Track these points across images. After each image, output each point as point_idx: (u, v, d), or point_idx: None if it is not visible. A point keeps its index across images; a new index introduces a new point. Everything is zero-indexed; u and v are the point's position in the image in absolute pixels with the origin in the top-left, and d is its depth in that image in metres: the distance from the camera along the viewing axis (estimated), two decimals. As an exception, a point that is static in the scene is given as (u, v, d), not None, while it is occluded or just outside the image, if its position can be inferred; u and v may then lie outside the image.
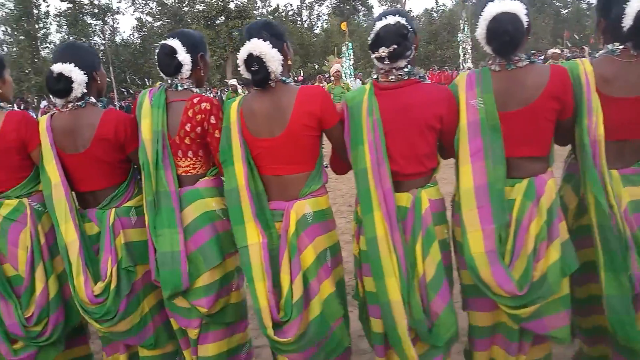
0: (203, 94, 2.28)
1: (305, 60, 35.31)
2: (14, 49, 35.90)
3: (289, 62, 2.18)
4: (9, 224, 2.28)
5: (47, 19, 36.08)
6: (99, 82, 2.37)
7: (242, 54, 2.04)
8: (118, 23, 41.03)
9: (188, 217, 2.23)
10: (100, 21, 37.50)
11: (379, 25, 2.02)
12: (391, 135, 2.06)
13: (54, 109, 2.38)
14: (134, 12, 47.40)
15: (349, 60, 15.52)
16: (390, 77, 2.07)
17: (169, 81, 2.29)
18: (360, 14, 46.03)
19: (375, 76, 2.15)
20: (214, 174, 2.34)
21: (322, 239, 2.15)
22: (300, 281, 2.06)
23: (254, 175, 2.15)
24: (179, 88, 2.28)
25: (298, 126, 2.06)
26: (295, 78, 22.12)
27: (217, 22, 32.01)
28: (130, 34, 40.45)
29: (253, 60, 2.01)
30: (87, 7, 36.13)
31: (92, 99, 2.31)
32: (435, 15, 46.33)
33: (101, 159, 2.27)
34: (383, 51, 1.99)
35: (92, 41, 37.56)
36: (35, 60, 34.24)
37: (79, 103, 2.26)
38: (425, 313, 2.04)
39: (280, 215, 2.13)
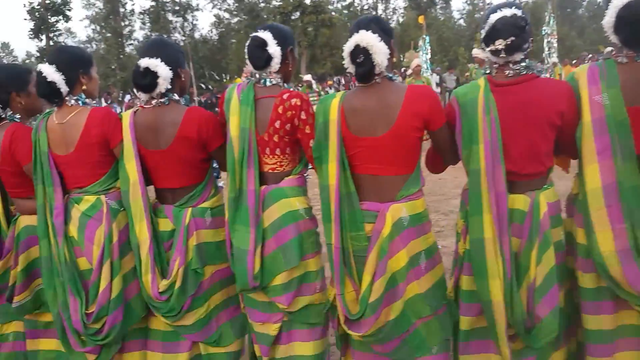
0: (292, 89, 2.25)
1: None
2: (102, 46, 37.95)
3: (394, 60, 2.12)
4: (86, 219, 2.32)
5: (132, 16, 37.90)
6: (182, 79, 2.37)
7: (348, 45, 2.01)
8: (197, 20, 42.48)
9: (272, 216, 2.22)
10: (181, 18, 38.88)
11: (494, 17, 1.96)
12: (509, 134, 2.00)
13: (138, 104, 2.44)
14: (212, 8, 48.73)
15: (427, 54, 15.09)
16: (506, 72, 2.01)
17: (257, 76, 2.27)
18: (438, 7, 44.89)
19: (488, 71, 2.10)
20: (298, 172, 2.31)
21: (417, 242, 2.10)
22: (383, 283, 2.04)
23: (346, 175, 2.11)
24: (268, 83, 2.25)
25: (405, 126, 2.01)
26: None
27: (293, 17, 32.17)
28: (209, 31, 41.64)
29: (359, 52, 1.98)
30: (168, 4, 37.59)
31: (176, 96, 2.32)
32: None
33: (182, 157, 2.28)
34: (500, 43, 1.93)
35: (173, 37, 39.00)
36: (121, 56, 36.05)
37: (162, 100, 2.28)
38: (528, 314, 2.02)
39: (372, 216, 2.09)
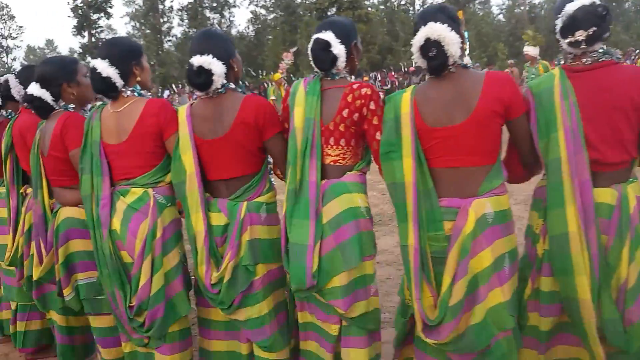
0: (362, 81, 2.19)
1: (417, 50, 34.45)
2: (141, 42, 38.65)
3: (464, 47, 2.02)
4: (132, 212, 2.28)
5: (171, 13, 38.50)
6: (235, 69, 2.31)
7: (417, 40, 1.94)
8: (234, 16, 42.73)
9: (332, 211, 2.13)
10: (218, 14, 39.29)
11: (572, 7, 1.87)
12: (590, 120, 1.91)
13: (177, 100, 2.36)
14: (249, 5, 48.95)
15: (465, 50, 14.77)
16: (583, 60, 1.94)
17: (322, 73, 2.23)
18: (476, 2, 44.07)
19: (562, 61, 2.03)
20: (361, 168, 2.23)
21: (502, 242, 1.96)
22: (464, 285, 1.92)
23: (423, 170, 2.01)
24: (336, 77, 2.21)
25: (485, 111, 1.91)
26: (407, 69, 21.57)
27: (329, 13, 32.11)
28: (245, 27, 41.96)
29: (430, 45, 1.91)
30: (206, 1, 38.02)
31: (232, 85, 2.28)
32: None
33: (240, 143, 2.24)
34: (580, 34, 1.86)
35: (210, 34, 39.41)
36: (159, 52, 36.70)
37: (220, 90, 2.24)
38: (620, 317, 1.92)
39: (452, 213, 1.98)
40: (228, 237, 2.26)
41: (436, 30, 1.89)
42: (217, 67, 2.16)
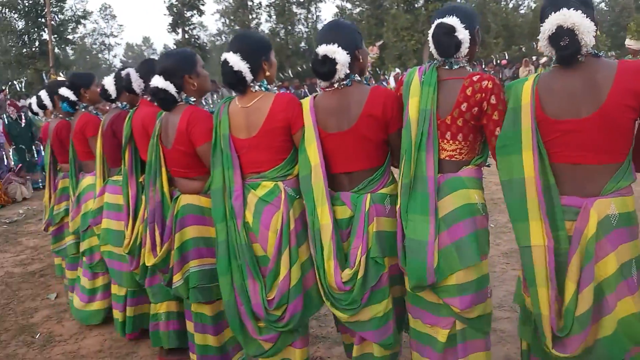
0: (483, 72, 2.10)
1: (510, 42, 32.94)
2: (231, 38, 39.76)
3: (598, 34, 1.87)
4: (263, 205, 2.31)
5: (259, 9, 39.32)
6: (361, 60, 2.28)
7: (548, 27, 1.81)
8: (320, 11, 42.99)
9: (447, 207, 2.07)
10: (305, 10, 39.62)
11: None
12: None
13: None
14: (335, -1, 48.94)
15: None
16: None
17: (441, 60, 2.15)
18: (575, -11, 41.29)
19: None
20: (478, 163, 2.15)
21: (628, 247, 1.82)
22: (591, 293, 1.79)
23: (544, 165, 1.89)
24: (454, 66, 2.12)
25: (616, 106, 1.76)
26: (499, 62, 20.64)
27: (417, 5, 31.42)
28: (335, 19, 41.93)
29: (563, 34, 1.77)
30: (294, -3, 38.46)
31: (357, 77, 2.26)
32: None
33: (366, 136, 2.21)
34: None
35: (296, 29, 39.90)
36: (248, 48, 37.55)
37: (344, 82, 2.23)
38: None
39: (573, 213, 1.86)
40: (353, 230, 2.23)
41: (570, 17, 1.76)
42: (341, 56, 2.13)
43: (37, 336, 3.65)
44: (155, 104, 2.68)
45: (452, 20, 2.06)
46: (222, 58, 2.35)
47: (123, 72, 3.25)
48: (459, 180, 2.09)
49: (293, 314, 2.28)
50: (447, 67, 2.13)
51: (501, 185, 2.00)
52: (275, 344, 2.36)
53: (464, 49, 2.07)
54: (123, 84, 3.20)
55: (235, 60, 2.28)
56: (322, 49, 2.16)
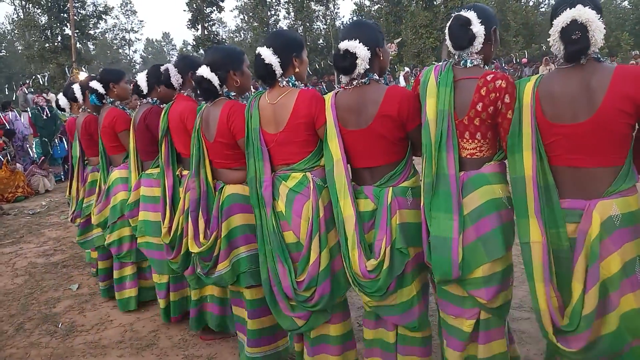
0: (497, 71, 2.13)
1: (529, 40, 32.58)
2: (250, 35, 39.95)
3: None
4: (294, 195, 2.43)
5: (278, 6, 39.40)
6: (382, 59, 2.35)
7: (562, 20, 1.84)
8: (339, 8, 42.89)
9: (473, 203, 2.11)
10: (323, 7, 39.60)
11: None
12: None
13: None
14: (353, -4, 48.78)
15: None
16: None
17: (456, 57, 2.21)
18: (598, -13, 40.67)
19: None
20: (500, 158, 2.19)
21: (632, 245, 1.85)
22: (596, 293, 1.83)
23: (543, 165, 1.95)
24: (468, 64, 2.17)
25: (611, 111, 1.79)
26: (519, 60, 20.44)
27: (435, 2, 31.22)
28: (350, 18, 41.92)
29: (576, 28, 1.80)
30: (312, -7, 38.42)
31: (376, 76, 2.33)
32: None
33: (382, 135, 2.27)
34: None
35: (315, 26, 39.90)
36: (267, 44, 37.61)
37: (363, 80, 2.29)
38: None
39: (575, 215, 1.90)
40: (377, 223, 2.30)
41: (585, 13, 1.79)
42: (361, 51, 2.20)
43: (60, 326, 3.73)
44: (198, 92, 2.80)
45: (469, 14, 2.12)
46: (256, 52, 2.48)
47: (162, 68, 3.37)
48: (482, 176, 2.13)
49: (322, 295, 2.40)
50: (461, 65, 2.17)
51: (510, 182, 2.07)
52: (307, 322, 2.49)
53: (478, 44, 2.12)
54: (161, 79, 3.32)
55: (267, 54, 2.41)
56: (344, 44, 2.24)
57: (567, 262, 1.92)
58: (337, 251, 2.43)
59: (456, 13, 2.17)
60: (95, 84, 3.88)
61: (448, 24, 2.19)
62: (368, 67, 2.25)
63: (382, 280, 2.24)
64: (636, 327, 1.84)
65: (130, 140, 3.58)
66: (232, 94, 2.77)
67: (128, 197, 3.60)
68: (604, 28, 1.82)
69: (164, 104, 3.37)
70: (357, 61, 2.21)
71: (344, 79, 2.35)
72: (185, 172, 3.15)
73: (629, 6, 40.79)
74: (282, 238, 2.47)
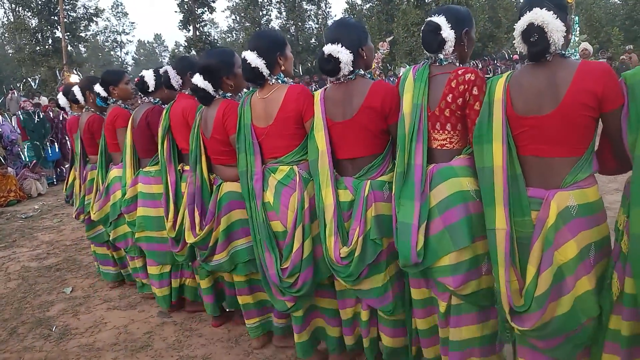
0: (468, 67, 2.25)
1: (520, 38, 32.62)
2: (242, 35, 39.88)
3: (569, 37, 2.00)
4: (282, 187, 2.60)
5: (269, 6, 39.33)
6: (365, 57, 2.46)
7: (521, 24, 1.95)
8: (330, 7, 42.91)
9: (440, 195, 2.21)
10: (315, 6, 39.57)
11: None
12: None
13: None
14: (345, -5, 48.78)
15: (576, 36, 13.84)
16: None
17: (433, 57, 2.30)
18: (588, -17, 40.90)
19: None
20: (470, 152, 2.26)
21: (588, 233, 1.95)
22: (549, 276, 1.93)
23: (512, 156, 2.04)
24: (444, 63, 2.28)
25: (573, 104, 1.88)
26: (511, 56, 20.52)
27: (427, 1, 31.26)
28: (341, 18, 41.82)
29: (533, 31, 1.91)
30: (303, -7, 38.37)
31: (361, 72, 2.45)
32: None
33: (366, 126, 2.40)
34: None
35: (307, 25, 39.88)
36: (258, 44, 37.52)
37: (349, 76, 2.43)
38: None
39: (537, 203, 2.00)
40: (354, 213, 2.45)
41: (540, 15, 1.89)
42: (344, 56, 2.34)
43: (54, 329, 3.72)
44: (196, 99, 2.98)
45: (439, 20, 2.21)
46: (242, 56, 2.61)
47: (161, 70, 3.49)
48: (450, 169, 2.23)
49: (305, 282, 2.59)
50: (437, 63, 2.29)
51: (477, 172, 2.14)
52: (295, 304, 2.70)
53: (448, 47, 2.22)
54: (162, 81, 3.44)
55: (252, 58, 2.56)
56: (327, 49, 2.37)
57: (527, 248, 2.00)
58: (319, 240, 2.56)
59: (427, 19, 2.27)
60: (97, 88, 4.00)
61: (422, 29, 2.29)
62: (352, 69, 2.39)
63: (353, 267, 2.39)
64: (590, 307, 1.94)
65: (127, 137, 3.68)
66: (229, 94, 2.96)
67: (124, 193, 3.70)
68: (572, 26, 1.88)
69: (165, 105, 3.53)
70: (340, 65, 2.35)
71: (330, 79, 2.50)
72: (187, 168, 3.27)
73: (618, 2, 41.01)
74: (270, 227, 2.66)
